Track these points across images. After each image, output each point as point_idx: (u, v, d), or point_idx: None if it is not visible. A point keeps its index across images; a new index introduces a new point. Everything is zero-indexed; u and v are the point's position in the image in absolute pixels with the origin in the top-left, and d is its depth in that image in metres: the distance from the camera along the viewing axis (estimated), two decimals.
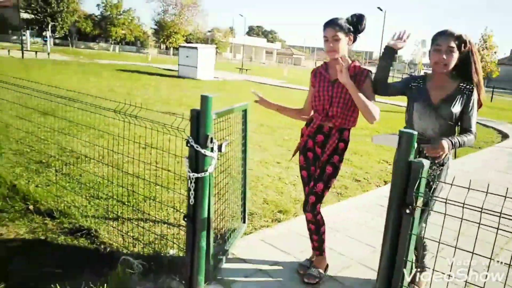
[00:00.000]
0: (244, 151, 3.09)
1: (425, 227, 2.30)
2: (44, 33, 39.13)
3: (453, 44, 2.17)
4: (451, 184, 1.45)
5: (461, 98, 2.21)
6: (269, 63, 72.28)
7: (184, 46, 21.32)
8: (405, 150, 1.56)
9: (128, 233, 2.99)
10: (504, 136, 10.55)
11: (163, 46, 65.15)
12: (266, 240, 3.10)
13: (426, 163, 1.53)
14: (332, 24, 2.33)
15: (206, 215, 2.27)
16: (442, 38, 2.20)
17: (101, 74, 17.14)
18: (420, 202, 1.54)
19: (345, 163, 5.75)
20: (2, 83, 3.96)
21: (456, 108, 2.20)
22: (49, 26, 46.57)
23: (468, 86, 2.23)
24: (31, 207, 3.25)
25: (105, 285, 2.28)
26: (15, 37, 49.44)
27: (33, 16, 51.68)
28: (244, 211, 3.23)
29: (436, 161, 2.24)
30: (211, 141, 2.18)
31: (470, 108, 2.22)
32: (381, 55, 2.41)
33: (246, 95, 13.87)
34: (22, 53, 24.12)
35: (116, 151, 3.03)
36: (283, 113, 2.73)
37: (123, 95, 10.74)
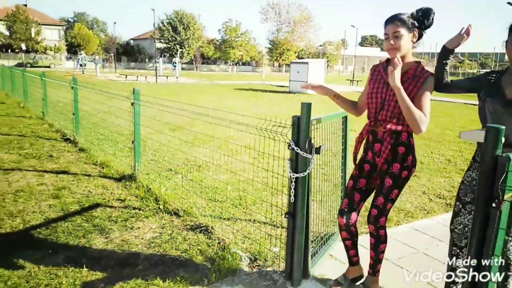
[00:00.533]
0: (344, 158, 3.23)
1: None
2: (173, 60, 44.29)
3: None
4: None
5: None
6: None
7: (295, 62, 21.99)
8: (492, 144, 1.57)
9: (239, 231, 3.37)
10: None
11: (276, 64, 67.66)
12: (363, 244, 3.17)
13: None
14: (393, 20, 2.13)
15: (304, 212, 2.49)
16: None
17: (220, 93, 18.74)
18: (508, 196, 1.54)
19: None
20: (144, 102, 4.79)
21: None
22: (178, 52, 52.38)
23: None
24: (161, 206, 3.87)
25: (218, 272, 2.66)
26: (150, 65, 56.90)
27: (165, 45, 58.76)
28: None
29: None
30: (310, 144, 2.41)
31: None
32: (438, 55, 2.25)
33: None
34: (156, 79, 27.73)
35: (231, 158, 3.46)
36: (339, 103, 2.48)
37: (237, 110, 11.63)
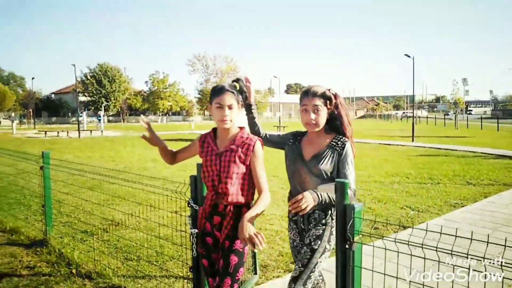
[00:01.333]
0: None
1: None
2: (98, 113, 43.05)
3: (318, 102, 2.17)
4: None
5: (333, 154, 2.18)
6: None
7: None
8: (340, 195, 1.91)
9: None
10: None
11: (206, 113, 68.63)
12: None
13: (358, 205, 1.87)
14: (228, 91, 2.13)
15: None
16: (306, 98, 2.20)
17: (145, 146, 18.47)
18: (357, 238, 1.86)
19: (366, 211, 5.98)
20: (55, 166, 4.71)
21: (326, 166, 2.16)
22: (103, 105, 51.11)
23: (339, 142, 2.20)
24: (73, 271, 3.77)
25: None
26: (73, 119, 54.58)
27: (89, 98, 57.09)
28: (254, 262, 3.56)
29: (301, 214, 2.16)
30: None
31: (343, 163, 2.17)
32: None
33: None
34: (79, 133, 26.65)
35: (148, 218, 3.54)
36: (162, 153, 2.39)
37: (159, 163, 11.58)
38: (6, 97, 55.78)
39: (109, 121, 56.36)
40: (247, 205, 2.18)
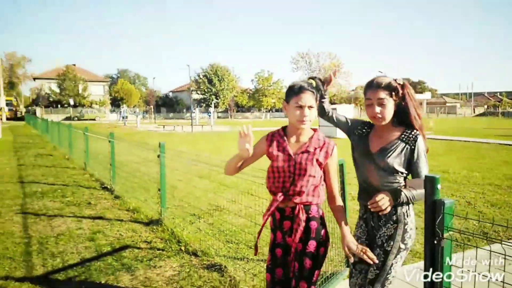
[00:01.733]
0: (343, 198, 3.55)
1: None
2: (208, 109, 46.29)
3: (382, 95, 2.04)
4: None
5: (404, 149, 2.08)
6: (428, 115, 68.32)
7: None
8: (430, 190, 1.89)
9: (249, 270, 3.69)
10: None
11: None
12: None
13: (449, 201, 1.83)
14: (308, 91, 2.03)
15: None
16: (370, 91, 2.09)
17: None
18: (447, 235, 1.83)
19: (475, 214, 5.46)
20: (170, 155, 5.34)
21: (394, 159, 2.07)
22: (213, 102, 54.69)
23: (411, 135, 2.08)
24: (182, 248, 4.27)
25: None
26: (187, 115, 59.54)
27: (201, 96, 61.60)
28: (346, 256, 3.59)
29: (381, 213, 2.08)
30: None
31: (416, 158, 2.06)
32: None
33: None
34: (192, 128, 29.02)
35: (250, 206, 3.85)
36: (235, 164, 2.12)
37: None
38: (132, 95, 63.29)
39: (218, 117, 59.99)
40: (316, 205, 2.10)
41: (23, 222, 5.33)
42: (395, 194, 2.01)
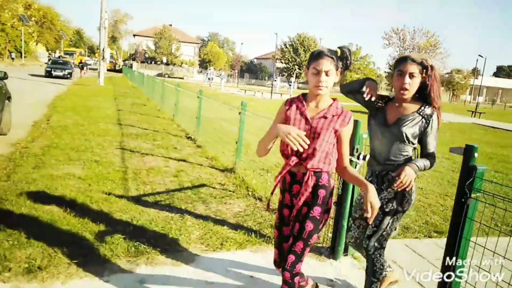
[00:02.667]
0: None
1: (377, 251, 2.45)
2: (290, 79, 46.50)
3: (415, 69, 2.23)
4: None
5: (419, 121, 2.30)
6: None
7: None
8: (467, 157, 2.16)
9: None
10: None
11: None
12: (409, 245, 3.69)
13: (482, 167, 2.09)
14: (327, 56, 2.02)
15: (348, 203, 3.21)
16: (404, 63, 2.26)
17: None
18: (474, 196, 2.11)
19: None
20: (253, 115, 5.91)
21: (409, 129, 2.29)
22: (295, 72, 54.64)
23: (428, 110, 2.29)
24: (250, 193, 4.87)
25: None
26: (269, 82, 60.23)
27: (285, 65, 61.75)
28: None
29: (408, 189, 2.30)
30: (357, 151, 3.14)
31: (429, 132, 2.29)
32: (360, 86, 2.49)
33: (459, 139, 13.23)
34: (271, 95, 29.68)
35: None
36: (269, 144, 2.15)
37: None
38: (219, 58, 65.63)
39: (298, 87, 59.97)
40: (327, 173, 2.13)
41: (122, 156, 6.35)
42: (410, 168, 2.24)
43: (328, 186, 2.12)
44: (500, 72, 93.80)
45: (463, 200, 2.13)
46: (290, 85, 37.40)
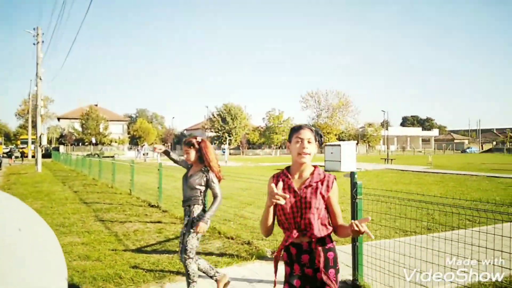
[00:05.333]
0: None
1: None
2: (222, 146, 48.94)
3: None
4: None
5: (203, 176, 3.76)
6: (425, 151, 70.02)
7: (329, 144, 24.79)
8: (352, 177, 4.09)
9: (268, 244, 5.82)
10: None
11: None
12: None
13: (359, 182, 4.05)
14: (307, 127, 2.25)
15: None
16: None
17: (262, 173, 21.59)
18: (360, 197, 4.02)
19: None
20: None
21: (197, 181, 3.76)
22: (227, 140, 57.55)
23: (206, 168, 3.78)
24: (222, 235, 6.42)
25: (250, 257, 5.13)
26: None
27: (215, 133, 64.65)
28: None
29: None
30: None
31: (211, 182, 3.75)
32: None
33: (374, 181, 15.89)
34: None
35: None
36: (268, 221, 2.17)
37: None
38: (149, 133, 66.74)
39: (230, 153, 62.60)
40: (329, 237, 2.22)
41: (105, 225, 7.56)
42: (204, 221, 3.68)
43: (334, 248, 2.22)
44: (406, 121, 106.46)
45: (354, 200, 4.01)
46: (223, 152, 39.61)
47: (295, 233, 2.16)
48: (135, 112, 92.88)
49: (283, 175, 2.27)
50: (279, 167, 28.24)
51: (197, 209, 3.77)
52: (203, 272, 3.89)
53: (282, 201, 1.99)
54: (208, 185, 3.79)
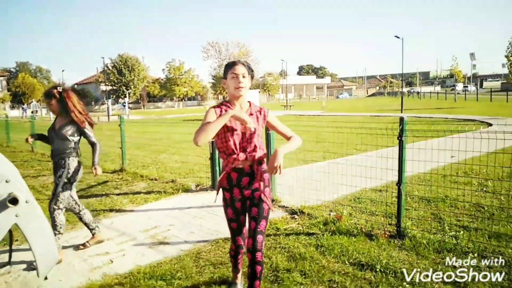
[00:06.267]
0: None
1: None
2: (120, 100, 46.56)
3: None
4: None
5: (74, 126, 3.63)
6: (319, 98, 75.50)
7: None
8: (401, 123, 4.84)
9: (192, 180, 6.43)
10: None
11: (220, 97, 71.57)
12: None
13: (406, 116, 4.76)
14: (240, 63, 2.38)
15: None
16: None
17: (169, 124, 21.67)
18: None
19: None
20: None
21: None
22: (126, 93, 54.73)
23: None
24: (144, 178, 6.84)
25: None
26: (97, 107, 58.56)
27: (111, 87, 60.78)
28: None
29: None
30: None
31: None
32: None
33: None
34: (108, 118, 30.07)
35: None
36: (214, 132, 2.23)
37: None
38: (35, 89, 60.04)
39: (129, 107, 59.95)
40: (263, 160, 2.46)
41: None
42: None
43: (265, 169, 2.44)
44: (302, 71, 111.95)
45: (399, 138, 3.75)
46: (124, 105, 37.94)
47: (242, 156, 2.36)
48: (15, 66, 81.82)
49: (224, 106, 2.40)
50: (186, 119, 28.46)
51: (72, 161, 3.62)
52: (85, 224, 3.90)
53: (253, 127, 2.30)
54: (82, 135, 3.68)
